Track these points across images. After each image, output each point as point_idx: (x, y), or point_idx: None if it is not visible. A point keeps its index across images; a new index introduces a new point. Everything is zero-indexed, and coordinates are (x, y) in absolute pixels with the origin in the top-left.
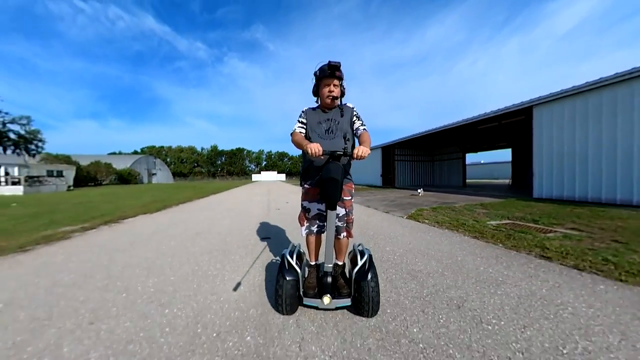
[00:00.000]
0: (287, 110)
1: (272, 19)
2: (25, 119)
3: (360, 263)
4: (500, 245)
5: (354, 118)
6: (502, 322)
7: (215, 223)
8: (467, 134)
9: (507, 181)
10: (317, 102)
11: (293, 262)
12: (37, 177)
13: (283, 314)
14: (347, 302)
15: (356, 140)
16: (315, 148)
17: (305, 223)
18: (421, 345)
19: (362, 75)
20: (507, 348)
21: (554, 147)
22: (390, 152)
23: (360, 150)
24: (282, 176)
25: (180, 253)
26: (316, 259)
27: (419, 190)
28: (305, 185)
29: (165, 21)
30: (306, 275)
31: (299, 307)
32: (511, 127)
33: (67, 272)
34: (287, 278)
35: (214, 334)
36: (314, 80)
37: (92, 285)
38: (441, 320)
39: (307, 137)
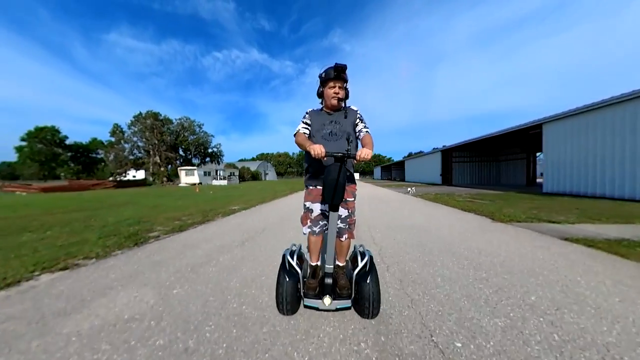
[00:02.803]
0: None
1: (348, 19)
2: (218, 144)
3: (361, 264)
4: (438, 203)
5: (357, 121)
6: (405, 211)
7: None
8: (524, 137)
9: None
10: (321, 104)
11: (294, 263)
12: (229, 176)
13: (283, 314)
14: (347, 303)
15: (359, 143)
16: (318, 149)
17: (307, 223)
18: (377, 209)
19: (455, 53)
20: (411, 215)
21: (555, 155)
22: (449, 155)
23: (363, 152)
24: (356, 175)
25: None
26: (317, 260)
27: (409, 189)
28: (308, 186)
29: (264, 50)
30: (307, 276)
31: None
32: None
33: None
34: (288, 279)
35: None
36: (319, 83)
37: None
38: (390, 209)
39: (311, 138)
